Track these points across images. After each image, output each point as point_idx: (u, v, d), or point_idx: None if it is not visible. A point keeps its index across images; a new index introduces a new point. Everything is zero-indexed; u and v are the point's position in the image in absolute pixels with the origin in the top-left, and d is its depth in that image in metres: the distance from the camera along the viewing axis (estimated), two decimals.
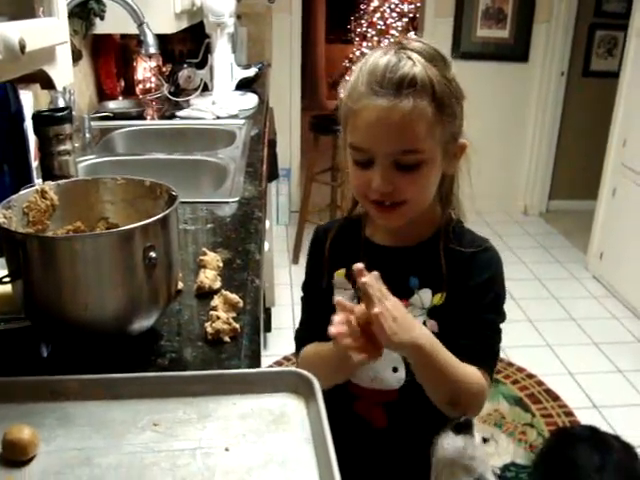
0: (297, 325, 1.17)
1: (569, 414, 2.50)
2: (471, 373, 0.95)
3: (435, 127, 0.92)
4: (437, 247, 1.02)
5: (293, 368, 0.80)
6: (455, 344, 0.96)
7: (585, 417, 2.47)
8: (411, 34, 7.03)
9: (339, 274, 1.08)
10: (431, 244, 1.03)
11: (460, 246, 1.02)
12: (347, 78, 1.00)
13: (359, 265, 0.87)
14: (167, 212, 0.86)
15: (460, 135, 0.98)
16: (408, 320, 0.89)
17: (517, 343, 2.93)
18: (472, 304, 1.00)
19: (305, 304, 1.16)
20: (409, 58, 0.91)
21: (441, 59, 0.94)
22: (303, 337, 1.12)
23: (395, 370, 1.03)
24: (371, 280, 0.86)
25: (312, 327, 1.11)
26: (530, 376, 2.72)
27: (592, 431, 1.74)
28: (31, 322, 0.89)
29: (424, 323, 1.01)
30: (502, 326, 1.03)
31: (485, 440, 2.49)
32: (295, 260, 3.76)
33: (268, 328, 2.80)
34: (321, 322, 1.09)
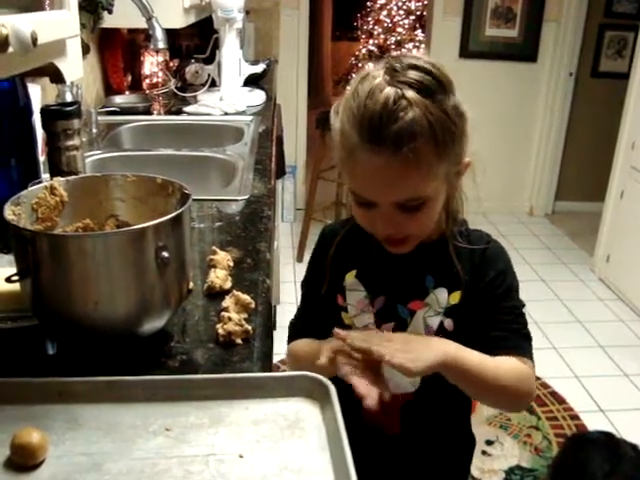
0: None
1: (575, 417, 2.48)
2: (509, 366, 0.94)
3: (438, 167, 0.88)
4: (447, 247, 1.01)
5: (308, 372, 0.78)
6: (484, 338, 0.97)
7: (591, 420, 2.46)
8: (418, 32, 7.02)
9: (350, 276, 1.06)
10: (441, 244, 1.02)
11: (469, 244, 1.02)
12: (340, 104, 0.92)
13: (338, 332, 0.89)
14: (180, 211, 0.84)
15: (464, 154, 0.94)
16: (417, 342, 0.90)
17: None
18: (489, 298, 1.00)
19: (304, 299, 1.16)
20: (405, 98, 0.84)
21: (439, 87, 0.87)
22: (297, 329, 1.14)
23: None
24: (354, 337, 0.88)
25: (308, 322, 1.12)
26: (535, 378, 2.69)
27: (607, 437, 1.72)
28: (39, 321, 0.87)
29: (441, 323, 1.00)
30: None
31: (490, 443, 2.47)
32: (300, 258, 3.74)
33: (273, 326, 2.78)
34: (318, 320, 1.10)
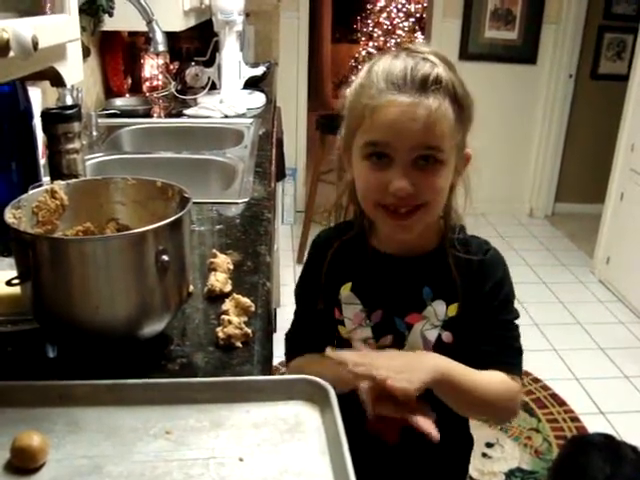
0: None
1: (575, 419, 2.48)
2: (498, 382, 0.95)
3: (455, 129, 0.90)
4: (445, 257, 1.00)
5: (307, 376, 0.78)
6: (476, 352, 0.96)
7: (591, 423, 2.46)
8: (417, 34, 7.02)
9: (345, 289, 1.05)
10: (439, 254, 1.01)
11: (468, 254, 1.00)
12: (351, 84, 0.96)
13: (330, 352, 0.89)
14: (180, 214, 0.84)
15: (465, 144, 0.96)
16: (409, 359, 0.90)
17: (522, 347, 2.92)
18: (485, 309, 0.99)
19: (299, 311, 1.15)
20: (426, 59, 0.89)
21: (451, 63, 0.93)
22: (295, 344, 1.13)
23: None
24: (352, 359, 0.86)
25: (305, 336, 1.12)
26: (536, 380, 2.70)
27: (608, 440, 1.72)
28: (40, 324, 0.87)
29: (439, 336, 1.00)
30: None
31: (490, 445, 2.46)
32: (300, 260, 3.75)
33: (274, 329, 2.78)
34: (315, 333, 1.09)
